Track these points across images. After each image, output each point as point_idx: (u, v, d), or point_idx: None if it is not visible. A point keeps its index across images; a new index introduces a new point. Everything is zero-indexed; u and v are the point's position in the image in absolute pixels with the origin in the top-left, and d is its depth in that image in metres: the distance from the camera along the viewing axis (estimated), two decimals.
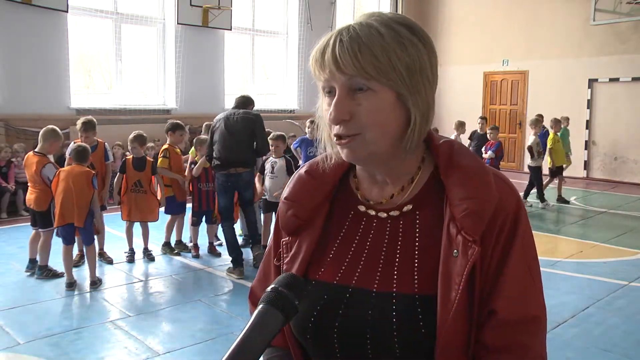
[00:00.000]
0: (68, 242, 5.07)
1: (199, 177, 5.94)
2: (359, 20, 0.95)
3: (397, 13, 0.99)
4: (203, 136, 6.29)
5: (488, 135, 9.11)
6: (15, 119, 8.58)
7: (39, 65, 8.85)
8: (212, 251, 6.17)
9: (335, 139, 0.97)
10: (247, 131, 5.32)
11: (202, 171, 5.91)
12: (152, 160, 5.96)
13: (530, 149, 9.02)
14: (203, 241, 6.23)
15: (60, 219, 4.95)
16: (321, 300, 0.98)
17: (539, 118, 9.29)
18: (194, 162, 5.99)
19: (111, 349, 3.84)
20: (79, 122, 5.73)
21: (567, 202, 9.39)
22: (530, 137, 9.07)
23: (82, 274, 5.38)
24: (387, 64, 0.91)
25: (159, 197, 5.91)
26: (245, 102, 5.64)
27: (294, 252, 1.05)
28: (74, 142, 5.72)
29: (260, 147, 5.48)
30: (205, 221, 6.16)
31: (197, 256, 6.04)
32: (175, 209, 6.09)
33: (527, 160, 8.89)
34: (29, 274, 5.29)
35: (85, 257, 5.45)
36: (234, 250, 5.44)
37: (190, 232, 6.19)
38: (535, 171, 8.96)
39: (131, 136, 5.84)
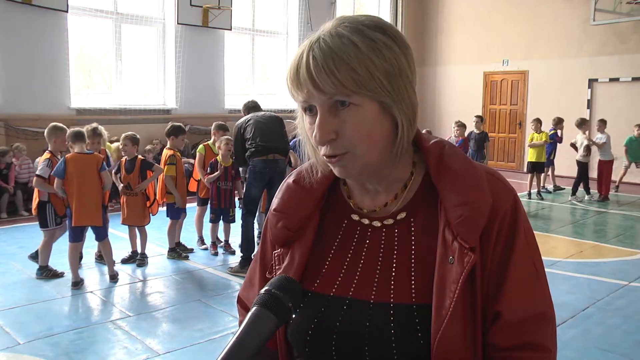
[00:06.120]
0: (77, 239, 5.13)
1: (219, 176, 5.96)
2: (328, 29, 0.90)
3: (366, 15, 0.94)
4: (226, 137, 6.18)
5: (455, 132, 9.30)
6: (15, 119, 8.57)
7: (39, 65, 8.84)
8: (228, 249, 6.24)
9: (325, 158, 0.93)
10: (279, 127, 5.64)
11: (222, 170, 5.94)
12: (142, 158, 5.68)
13: (573, 145, 9.81)
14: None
15: (81, 219, 4.99)
16: (318, 312, 0.96)
17: (586, 119, 10.03)
18: (215, 162, 5.97)
19: (111, 349, 3.84)
20: (88, 129, 5.32)
21: (542, 199, 9.83)
22: (578, 136, 9.82)
23: (83, 274, 5.39)
24: (366, 74, 0.86)
25: (152, 199, 5.76)
26: (257, 106, 6.00)
27: (286, 263, 1.02)
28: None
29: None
30: (223, 220, 6.21)
31: (216, 254, 6.15)
32: (177, 214, 6.03)
33: (576, 155, 9.91)
34: (30, 274, 5.29)
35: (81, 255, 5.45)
36: (249, 248, 5.46)
37: (209, 231, 6.30)
38: (582, 166, 9.69)
39: (123, 135, 5.65)
